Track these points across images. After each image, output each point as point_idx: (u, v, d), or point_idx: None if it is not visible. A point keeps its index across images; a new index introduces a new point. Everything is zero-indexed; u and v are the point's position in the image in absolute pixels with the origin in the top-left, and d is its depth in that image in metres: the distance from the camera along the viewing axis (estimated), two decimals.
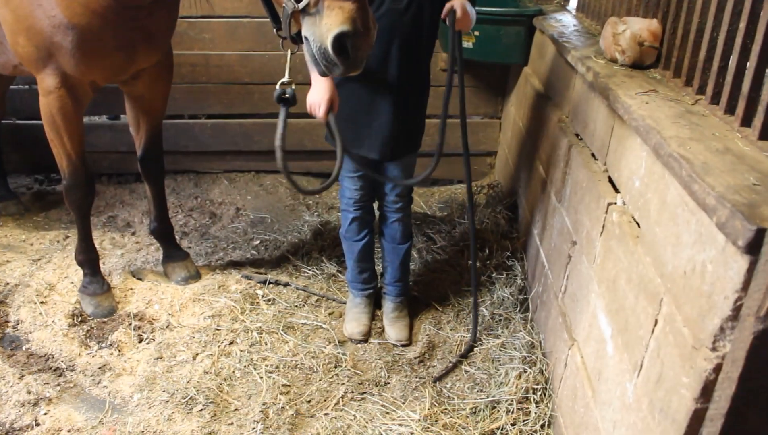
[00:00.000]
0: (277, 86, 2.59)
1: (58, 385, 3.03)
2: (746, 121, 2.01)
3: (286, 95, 2.60)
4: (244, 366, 3.12)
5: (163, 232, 3.79)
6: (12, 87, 4.60)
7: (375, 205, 3.40)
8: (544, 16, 4.04)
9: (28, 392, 2.95)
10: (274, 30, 2.46)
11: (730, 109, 2.12)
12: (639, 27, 2.70)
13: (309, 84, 2.85)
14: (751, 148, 1.89)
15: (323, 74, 2.32)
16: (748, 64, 2.00)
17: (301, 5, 2.17)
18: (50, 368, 3.13)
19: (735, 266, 1.52)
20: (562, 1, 4.47)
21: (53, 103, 2.99)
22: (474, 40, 4.23)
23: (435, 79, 3.69)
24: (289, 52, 2.50)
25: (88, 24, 2.77)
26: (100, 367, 3.13)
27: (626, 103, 2.29)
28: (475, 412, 2.89)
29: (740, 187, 1.61)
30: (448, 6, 2.79)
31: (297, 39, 2.33)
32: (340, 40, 2.14)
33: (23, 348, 3.26)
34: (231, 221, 4.54)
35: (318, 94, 2.80)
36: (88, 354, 3.22)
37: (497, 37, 4.21)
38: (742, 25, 2.04)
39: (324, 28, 2.15)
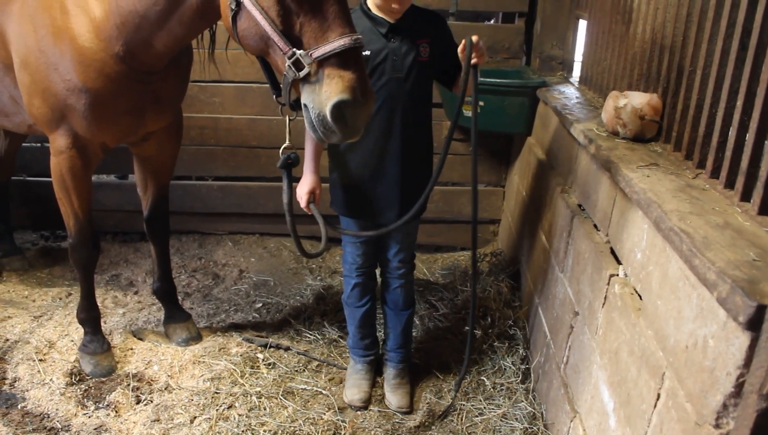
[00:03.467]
0: (281, 153, 2.73)
1: None
2: (746, 196, 2.03)
3: (290, 160, 2.75)
4: (242, 431, 3.07)
5: (165, 292, 3.79)
6: (24, 144, 4.68)
7: (377, 272, 3.41)
8: (547, 87, 4.13)
9: None
10: (274, 96, 2.53)
11: (730, 184, 2.14)
12: (640, 101, 2.76)
13: None
14: (751, 223, 1.91)
15: (321, 141, 2.37)
16: (746, 140, 2.04)
17: (302, 74, 2.23)
18: (45, 428, 3.08)
19: (736, 342, 1.52)
20: (565, 73, 4.58)
21: (64, 162, 3.04)
22: (479, 110, 4.31)
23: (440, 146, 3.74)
24: (287, 118, 2.56)
25: (101, 88, 2.84)
26: (95, 428, 3.08)
27: (628, 176, 2.32)
28: None
29: (740, 263, 1.62)
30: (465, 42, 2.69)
31: (296, 106, 2.39)
32: (339, 108, 2.20)
33: (19, 406, 3.22)
34: (234, 283, 4.55)
35: (301, 188, 3.05)
36: (84, 414, 3.18)
37: (501, 107, 4.29)
38: (740, 102, 2.09)
39: (323, 96, 2.20)
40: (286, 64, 2.25)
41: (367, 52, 2.84)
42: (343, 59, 2.20)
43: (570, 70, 4.60)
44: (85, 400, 3.27)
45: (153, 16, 2.66)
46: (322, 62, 2.20)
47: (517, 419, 3.13)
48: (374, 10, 2.87)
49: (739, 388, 1.51)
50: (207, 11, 2.58)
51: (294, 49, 2.23)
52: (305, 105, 2.29)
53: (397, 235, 3.19)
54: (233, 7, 2.32)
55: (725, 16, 2.24)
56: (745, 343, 1.48)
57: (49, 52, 2.81)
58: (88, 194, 3.20)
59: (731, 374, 1.53)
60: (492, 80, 4.24)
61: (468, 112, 4.36)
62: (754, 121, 1.97)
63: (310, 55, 2.20)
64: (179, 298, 3.98)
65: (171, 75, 3.09)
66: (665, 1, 2.76)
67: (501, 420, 3.15)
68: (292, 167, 2.77)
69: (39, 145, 4.93)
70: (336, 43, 2.19)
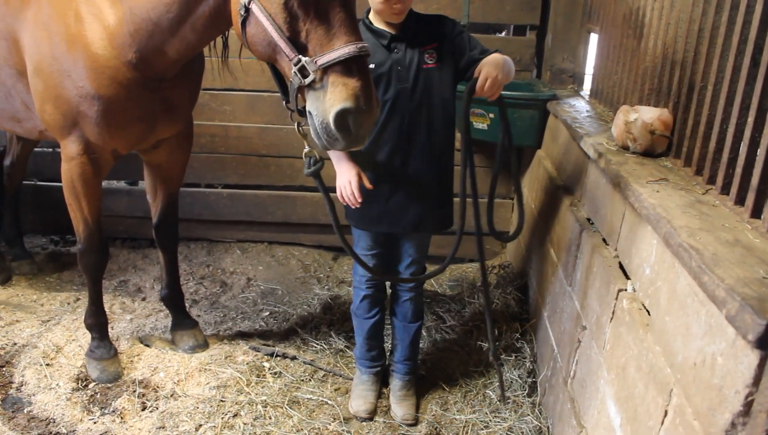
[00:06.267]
0: (304, 158, 2.58)
1: None
2: (756, 213, 2.02)
3: (315, 165, 2.58)
4: None
5: (173, 299, 3.80)
6: (36, 149, 4.72)
7: (387, 284, 3.40)
8: (557, 100, 4.12)
9: None
10: (284, 102, 2.52)
11: (740, 200, 2.13)
12: (650, 116, 2.75)
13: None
14: (761, 239, 1.90)
15: (325, 148, 2.36)
16: (757, 156, 2.03)
17: (307, 81, 2.23)
18: (50, 433, 3.08)
19: (745, 360, 1.50)
20: (575, 87, 4.57)
21: (74, 169, 3.06)
22: (488, 122, 4.31)
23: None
24: (296, 125, 2.52)
25: (113, 95, 2.86)
26: (101, 434, 3.09)
27: (637, 191, 2.31)
28: None
29: (750, 280, 1.61)
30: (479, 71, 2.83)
31: (303, 112, 2.38)
32: (342, 116, 2.20)
33: (25, 410, 3.23)
34: (241, 291, 4.55)
35: (344, 175, 2.86)
36: (89, 420, 3.18)
37: (511, 119, 4.27)
38: (751, 119, 2.08)
39: (327, 104, 2.21)
40: (292, 71, 2.26)
41: (371, 66, 2.85)
42: (347, 67, 2.20)
43: (581, 83, 4.60)
44: (91, 405, 3.28)
45: (166, 24, 2.68)
46: (327, 69, 2.21)
47: (523, 433, 3.11)
48: (376, 23, 2.88)
49: (747, 406, 1.50)
50: (219, 18, 2.60)
51: (299, 56, 2.24)
52: (309, 112, 2.29)
53: (409, 248, 3.19)
54: (242, 13, 2.34)
55: (737, 33, 2.24)
56: (754, 362, 1.47)
57: (62, 59, 2.84)
58: (98, 200, 3.22)
59: (740, 392, 1.51)
60: (502, 92, 4.22)
61: (479, 124, 4.37)
62: (765, 138, 1.96)
63: (315, 62, 2.21)
64: (186, 305, 3.99)
65: (182, 82, 3.11)
66: (677, 16, 2.76)
67: (507, 433, 3.13)
68: (319, 171, 2.61)
69: (50, 150, 4.96)
70: (341, 50, 2.19)
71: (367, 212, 3.07)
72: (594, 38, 4.33)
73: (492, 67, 2.81)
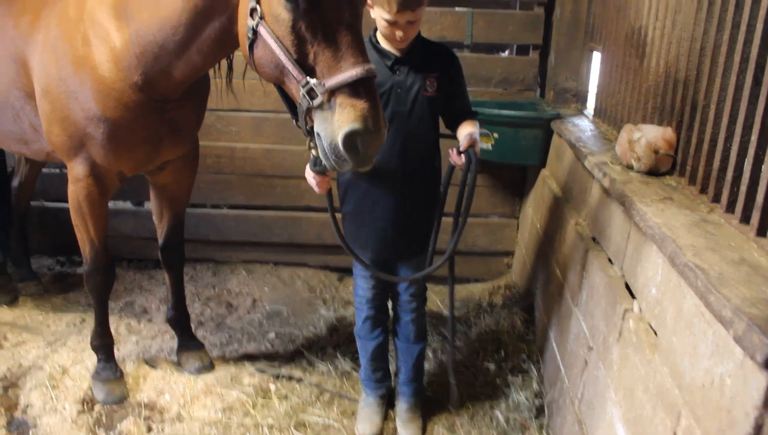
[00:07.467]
0: (310, 155, 2.50)
1: None
2: (761, 231, 2.02)
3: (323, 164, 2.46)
4: None
5: (179, 320, 3.80)
6: (43, 170, 4.75)
7: (389, 305, 3.39)
8: (561, 119, 4.13)
9: None
10: (294, 121, 2.51)
11: (746, 219, 2.13)
12: (654, 135, 2.75)
13: None
14: (767, 258, 1.89)
15: (333, 169, 2.35)
16: (762, 174, 2.03)
17: (315, 102, 2.24)
18: None
19: (754, 382, 1.49)
20: (579, 106, 4.58)
21: (81, 190, 3.08)
22: (493, 141, 4.32)
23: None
24: (308, 140, 2.50)
25: (120, 117, 2.88)
26: None
27: (642, 211, 2.31)
28: None
29: (757, 300, 1.60)
30: (465, 141, 2.82)
31: (312, 133, 2.37)
32: (350, 138, 2.20)
33: (30, 433, 3.21)
34: (247, 312, 4.54)
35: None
36: None
37: (515, 139, 4.29)
38: (754, 137, 2.08)
39: (336, 125, 2.21)
40: (301, 93, 2.27)
41: None
42: (355, 89, 2.21)
43: (584, 102, 4.61)
44: (97, 428, 3.27)
45: (172, 46, 2.70)
46: (335, 91, 2.21)
47: None
48: (382, 43, 2.89)
49: (758, 429, 1.48)
50: (225, 40, 2.61)
51: (308, 78, 2.24)
52: (318, 133, 2.29)
53: (407, 271, 3.16)
54: (250, 36, 2.35)
55: (738, 51, 2.25)
56: (763, 383, 1.46)
57: (69, 81, 2.86)
58: (105, 222, 3.23)
59: (749, 415, 1.50)
60: (506, 112, 4.25)
61: (482, 144, 4.37)
62: None
63: (323, 84, 2.22)
64: (192, 326, 3.98)
65: (188, 104, 3.13)
66: (679, 35, 2.77)
67: None
68: (326, 171, 2.58)
69: (58, 171, 4.99)
70: (348, 73, 2.20)
71: (361, 236, 3.06)
72: (597, 57, 4.35)
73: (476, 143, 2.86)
